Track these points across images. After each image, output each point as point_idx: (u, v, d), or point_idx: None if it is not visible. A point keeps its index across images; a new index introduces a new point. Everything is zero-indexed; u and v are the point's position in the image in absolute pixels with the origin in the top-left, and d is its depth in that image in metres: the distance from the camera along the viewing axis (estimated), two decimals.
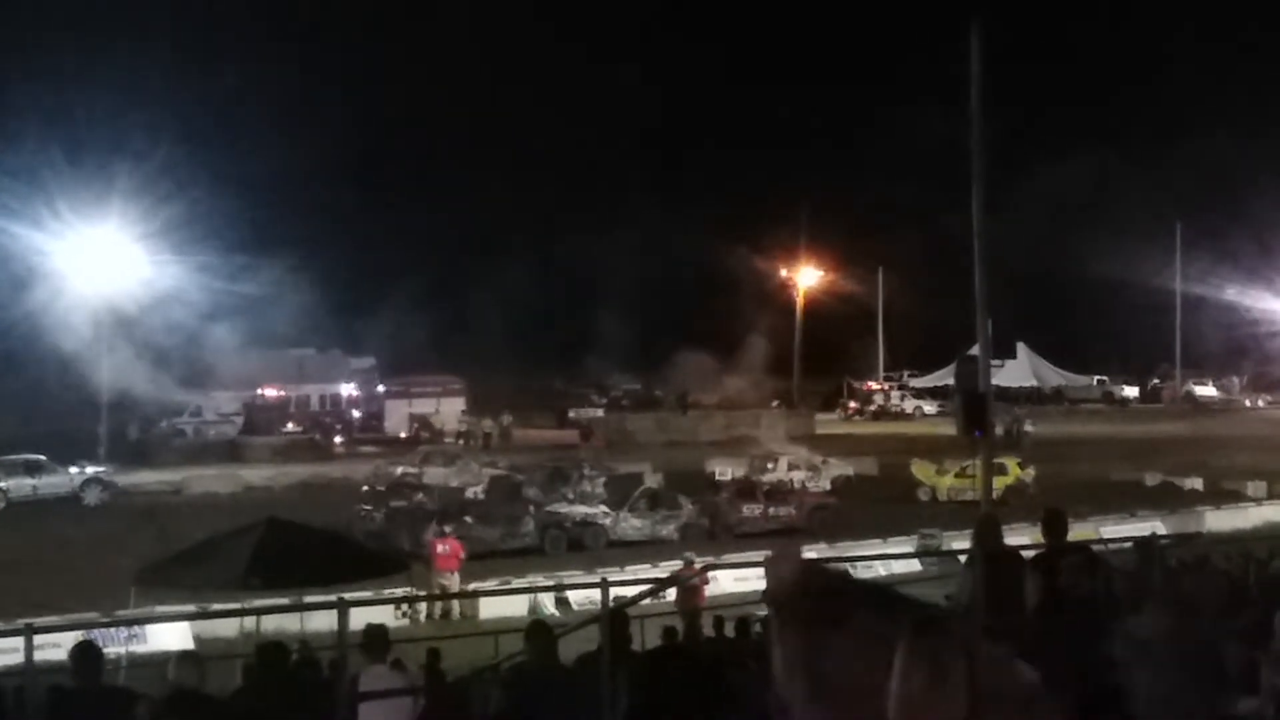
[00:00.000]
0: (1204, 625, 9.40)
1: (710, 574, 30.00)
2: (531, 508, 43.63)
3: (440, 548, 34.68)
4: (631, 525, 43.30)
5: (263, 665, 12.55)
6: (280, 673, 12.51)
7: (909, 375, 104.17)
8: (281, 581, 20.87)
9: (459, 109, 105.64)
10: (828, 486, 52.48)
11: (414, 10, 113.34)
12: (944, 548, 36.31)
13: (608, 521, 43.09)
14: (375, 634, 12.03)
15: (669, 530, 43.41)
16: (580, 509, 44.14)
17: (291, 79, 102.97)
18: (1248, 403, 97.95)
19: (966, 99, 26.71)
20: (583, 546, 41.47)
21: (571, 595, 31.45)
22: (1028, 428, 68.99)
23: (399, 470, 54.46)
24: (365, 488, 50.35)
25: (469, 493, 48.29)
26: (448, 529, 36.32)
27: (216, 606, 22.75)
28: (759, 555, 28.57)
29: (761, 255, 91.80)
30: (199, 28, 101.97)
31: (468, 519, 40.91)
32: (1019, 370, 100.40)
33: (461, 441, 70.15)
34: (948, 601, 16.20)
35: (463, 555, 34.99)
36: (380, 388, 78.09)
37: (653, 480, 51.86)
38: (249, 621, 23.87)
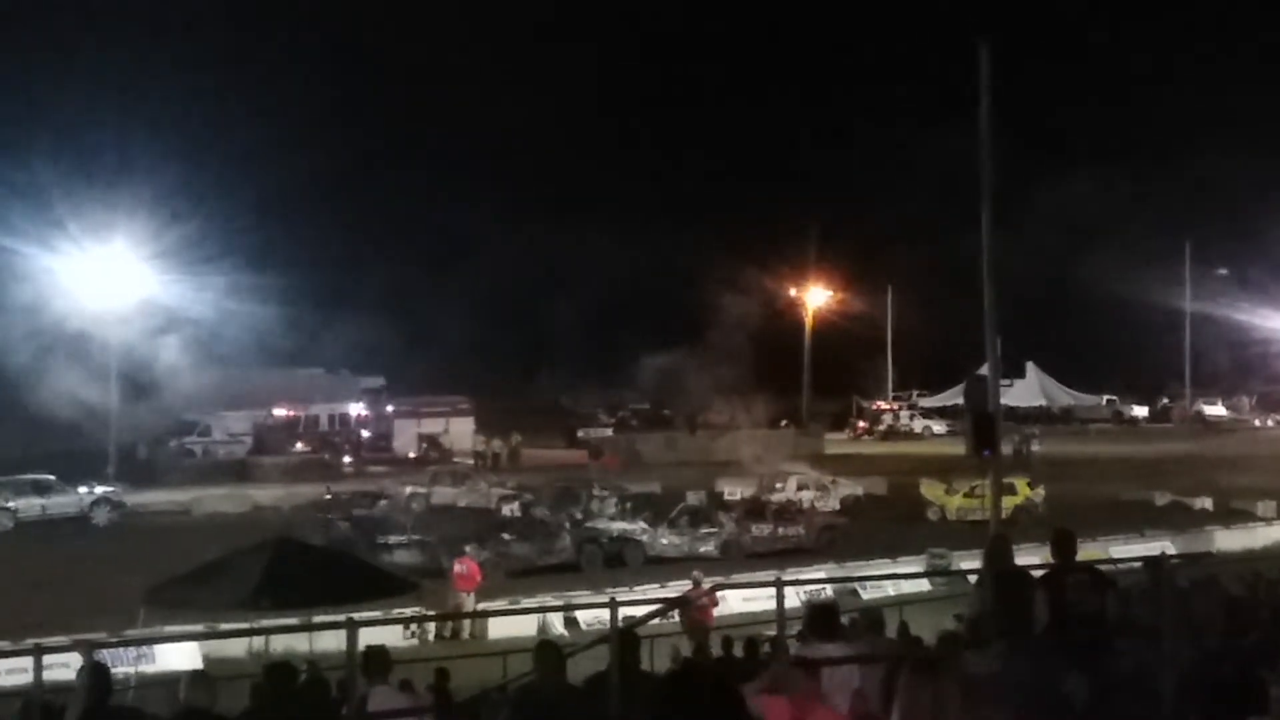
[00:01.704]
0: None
1: (719, 594, 30.03)
2: (568, 524, 43.79)
3: (458, 568, 34.64)
4: (670, 542, 43.35)
5: (271, 685, 12.53)
6: (289, 693, 12.49)
7: (918, 395, 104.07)
8: (290, 601, 20.87)
9: (468, 126, 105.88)
10: (837, 506, 52.48)
11: (422, 22, 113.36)
12: (953, 567, 36.29)
13: (645, 538, 43.16)
14: (375, 655, 12.00)
15: (709, 547, 43.44)
16: (618, 525, 44.28)
17: (300, 97, 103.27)
18: (1257, 422, 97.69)
19: (976, 117, 26.75)
20: (622, 562, 41.57)
21: (580, 615, 31.42)
22: (1034, 447, 68.85)
23: (408, 490, 54.90)
24: (327, 496, 51.12)
25: (504, 510, 48.56)
26: (467, 549, 36.33)
27: (225, 626, 22.83)
28: (768, 575, 28.58)
29: (770, 274, 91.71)
30: (202, 42, 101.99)
31: (505, 536, 41.31)
32: (1028, 390, 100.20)
33: (471, 461, 70.19)
34: (959, 622, 16.20)
35: (480, 576, 34.93)
36: (389, 407, 78.10)
37: (695, 498, 51.89)
38: (257, 641, 23.91)
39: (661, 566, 40.50)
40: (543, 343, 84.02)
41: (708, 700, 4.03)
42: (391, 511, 47.21)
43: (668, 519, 44.65)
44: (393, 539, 41.86)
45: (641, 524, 44.31)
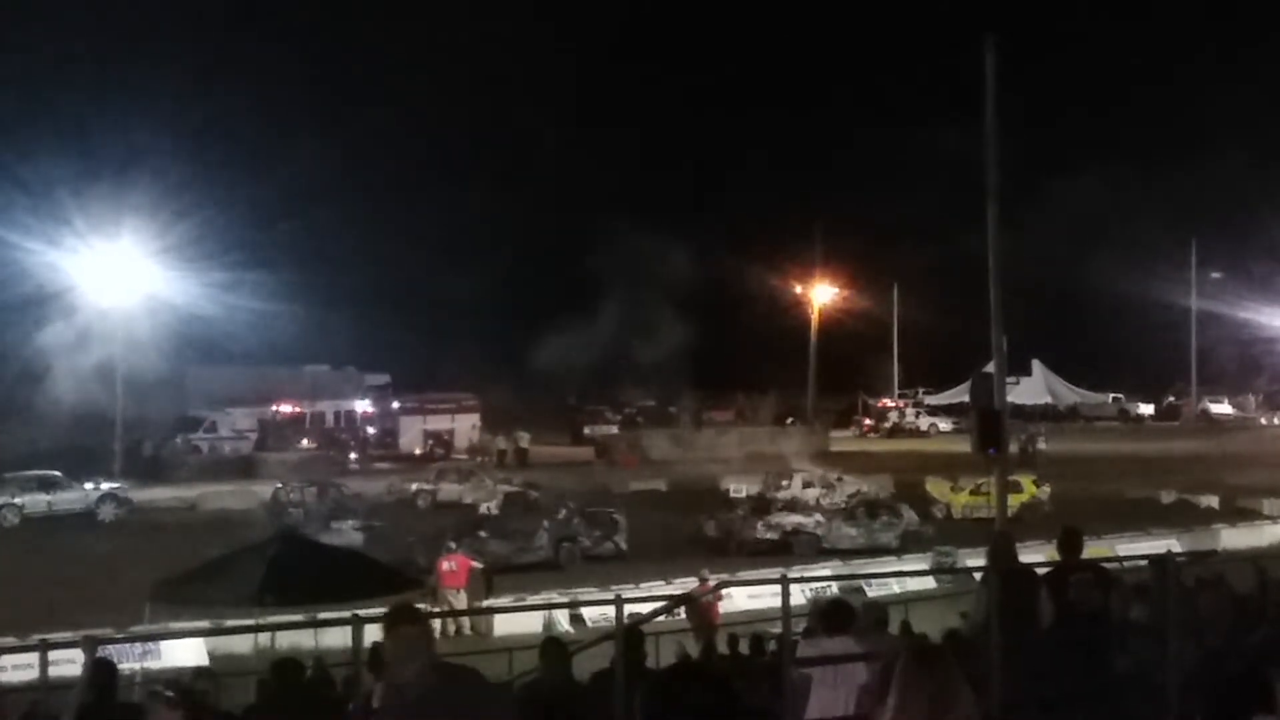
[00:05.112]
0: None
1: (724, 591, 30.01)
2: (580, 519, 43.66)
3: (446, 565, 34.29)
4: (845, 533, 43.50)
5: (277, 681, 12.57)
6: (294, 689, 12.52)
7: (924, 392, 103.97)
8: (296, 598, 20.86)
9: (475, 124, 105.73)
10: (842, 504, 52.41)
11: (433, 24, 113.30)
12: (959, 565, 36.27)
13: (820, 530, 43.34)
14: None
15: (889, 538, 43.69)
16: (793, 517, 44.47)
17: (307, 93, 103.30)
18: (1263, 420, 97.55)
19: (982, 115, 26.73)
20: (789, 552, 41.75)
21: (586, 612, 31.39)
22: (1040, 445, 68.77)
23: (414, 487, 55.21)
24: (280, 485, 51.89)
25: (482, 509, 48.59)
26: (453, 545, 36.13)
27: (231, 622, 22.80)
28: (773, 573, 28.58)
29: (776, 272, 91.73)
30: (211, 43, 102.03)
31: (482, 534, 41.20)
32: (1034, 387, 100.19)
33: (478, 458, 70.17)
34: (963, 619, 16.20)
35: (470, 570, 34.70)
36: (395, 404, 78.10)
37: (869, 488, 52.75)
38: (263, 637, 23.89)
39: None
40: (548, 339, 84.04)
41: (700, 697, 4.02)
42: (342, 499, 48.46)
43: (844, 510, 45.19)
44: (345, 525, 42.43)
45: (817, 516, 44.48)
